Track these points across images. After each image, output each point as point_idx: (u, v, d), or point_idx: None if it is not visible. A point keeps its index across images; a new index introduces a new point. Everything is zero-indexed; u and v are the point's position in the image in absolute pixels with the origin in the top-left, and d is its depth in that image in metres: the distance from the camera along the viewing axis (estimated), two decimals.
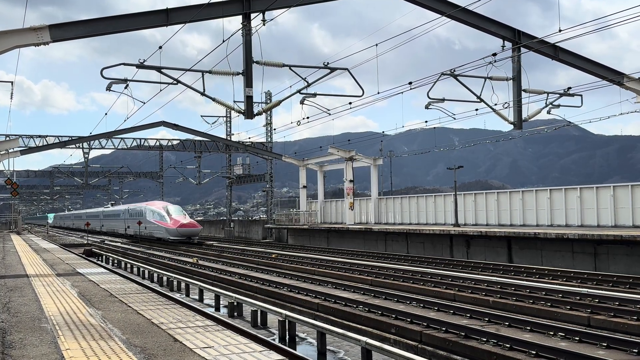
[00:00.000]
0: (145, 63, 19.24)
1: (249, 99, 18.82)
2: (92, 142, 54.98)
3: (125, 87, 20.49)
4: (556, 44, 20.65)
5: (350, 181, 44.73)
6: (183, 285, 24.03)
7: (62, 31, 18.88)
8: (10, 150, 39.39)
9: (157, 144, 61.99)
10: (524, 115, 21.61)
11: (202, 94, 19.68)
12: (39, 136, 52.94)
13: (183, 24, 19.25)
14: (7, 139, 46.40)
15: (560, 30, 16.36)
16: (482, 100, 21.26)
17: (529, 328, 12.55)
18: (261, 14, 18.47)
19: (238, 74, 18.90)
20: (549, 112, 23.01)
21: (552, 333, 12.00)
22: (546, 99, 22.54)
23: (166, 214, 54.27)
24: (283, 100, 21.26)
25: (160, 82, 20.08)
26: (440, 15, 19.35)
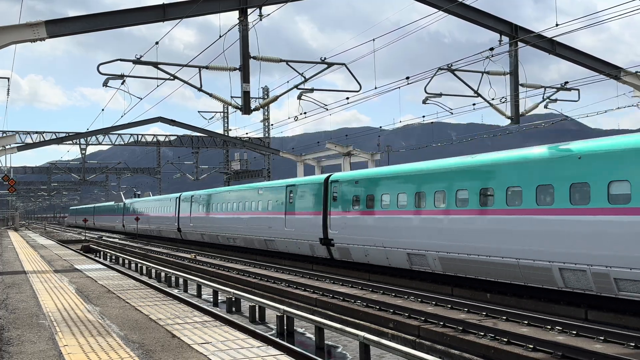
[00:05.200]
0: (141, 59, 19.19)
1: (246, 95, 18.77)
2: (89, 138, 54.86)
3: (122, 83, 20.44)
4: (553, 39, 20.63)
5: None
6: (181, 281, 24.04)
7: (59, 27, 18.82)
8: (7, 147, 39.29)
9: (155, 139, 61.90)
10: (521, 109, 21.59)
11: (199, 89, 19.64)
12: (36, 132, 52.85)
13: (179, 20, 19.19)
14: (4, 135, 46.27)
15: (557, 25, 16.34)
16: (479, 95, 21.23)
17: (526, 322, 12.58)
18: (258, 9, 18.42)
19: (235, 69, 18.85)
20: (546, 107, 22.98)
21: (549, 327, 12.04)
22: (543, 94, 22.52)
23: None
24: (280, 95, 21.20)
25: (157, 78, 20.03)
26: (436, 10, 19.32)
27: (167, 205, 48.77)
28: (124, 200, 70.32)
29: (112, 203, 76.38)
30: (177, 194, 46.16)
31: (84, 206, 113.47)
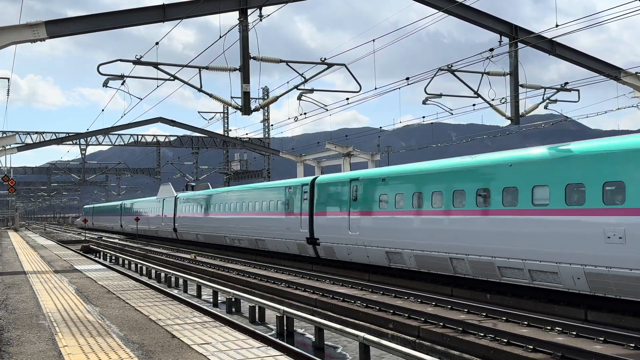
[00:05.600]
0: (141, 59, 19.19)
1: (246, 95, 18.78)
2: (89, 138, 54.92)
3: (122, 84, 20.44)
4: (553, 39, 20.64)
5: None
6: (181, 281, 24.05)
7: (59, 27, 18.83)
8: (7, 147, 39.31)
9: (155, 140, 61.97)
10: (521, 110, 21.60)
11: (199, 90, 19.65)
12: (36, 132, 52.90)
13: (179, 20, 19.20)
14: (4, 135, 46.29)
15: (557, 26, 16.36)
16: (479, 96, 21.24)
17: (526, 323, 12.58)
18: (258, 9, 18.43)
19: (235, 70, 18.86)
20: (546, 107, 23.00)
21: (549, 328, 12.04)
22: (543, 94, 22.54)
23: None
24: (280, 96, 21.21)
25: (157, 78, 20.04)
26: (436, 11, 19.33)
27: (282, 197, 28.40)
28: (174, 193, 49.09)
29: (153, 198, 55.42)
30: (309, 178, 27.18)
31: (109, 203, 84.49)
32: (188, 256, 34.12)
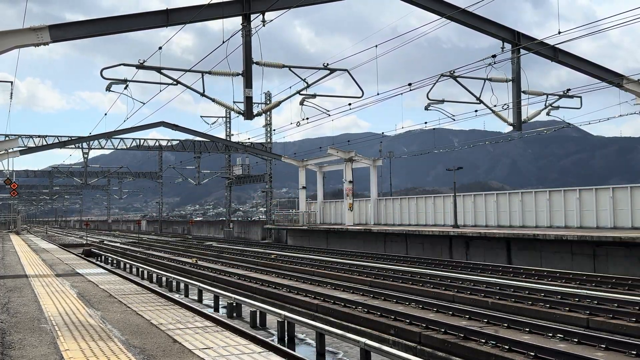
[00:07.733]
0: (145, 64, 19.26)
1: (248, 100, 18.83)
2: (91, 142, 55.04)
3: (125, 88, 20.50)
4: (555, 46, 20.69)
5: (350, 182, 44.79)
6: (182, 285, 24.04)
7: (63, 31, 18.90)
8: (9, 150, 39.38)
9: (157, 144, 62.09)
10: (524, 116, 21.63)
11: (202, 94, 19.70)
12: (39, 136, 53.02)
13: (183, 25, 19.27)
14: (7, 138, 46.38)
15: (559, 32, 16.42)
16: (481, 102, 21.28)
17: (527, 329, 12.56)
18: (261, 14, 18.50)
19: (238, 74, 18.90)
20: (548, 114, 23.05)
21: (551, 334, 12.02)
22: (545, 101, 22.59)
23: None
24: (283, 100, 21.28)
25: (160, 83, 20.10)
26: (439, 17, 19.37)
27: None
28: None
29: None
30: None
31: None
32: (189, 260, 34.13)
